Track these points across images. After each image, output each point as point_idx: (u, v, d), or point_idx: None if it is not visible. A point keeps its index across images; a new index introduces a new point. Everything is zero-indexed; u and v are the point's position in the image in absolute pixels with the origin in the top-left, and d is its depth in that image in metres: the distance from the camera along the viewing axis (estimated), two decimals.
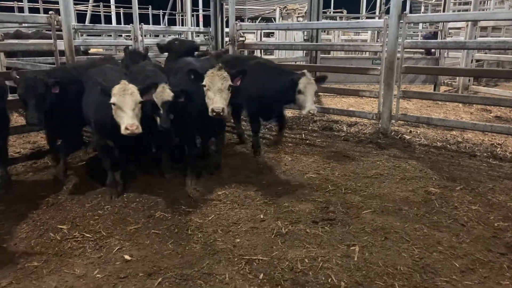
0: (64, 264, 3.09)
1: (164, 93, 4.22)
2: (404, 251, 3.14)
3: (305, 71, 5.17)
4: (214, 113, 4.19)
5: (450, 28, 11.01)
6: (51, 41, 5.70)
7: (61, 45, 5.93)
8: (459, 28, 12.16)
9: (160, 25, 21.32)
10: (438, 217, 3.72)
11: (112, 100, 3.83)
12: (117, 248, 3.31)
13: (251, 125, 5.87)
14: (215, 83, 4.27)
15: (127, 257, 3.18)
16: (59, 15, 5.77)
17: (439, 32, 10.74)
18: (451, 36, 12.10)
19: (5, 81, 4.63)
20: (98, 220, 3.80)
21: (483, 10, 14.70)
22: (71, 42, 5.80)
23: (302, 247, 3.25)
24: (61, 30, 5.90)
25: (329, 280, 2.80)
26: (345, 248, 3.21)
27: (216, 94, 4.24)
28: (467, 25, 9.63)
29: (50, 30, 9.36)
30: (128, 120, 3.76)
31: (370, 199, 4.17)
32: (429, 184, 4.55)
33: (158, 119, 4.23)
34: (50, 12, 5.60)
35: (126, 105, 3.81)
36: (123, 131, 3.74)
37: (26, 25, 8.73)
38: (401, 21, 6.23)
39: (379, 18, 17.93)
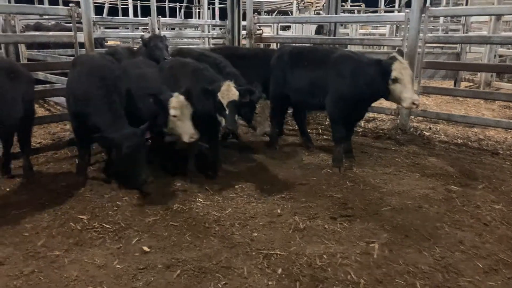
0: (85, 254, 3.14)
1: (230, 91, 4.09)
2: (425, 250, 3.08)
3: (394, 54, 4.33)
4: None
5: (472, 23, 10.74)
6: (72, 33, 5.74)
7: (80, 37, 5.98)
8: (480, 22, 11.86)
9: (176, 18, 21.36)
10: (460, 216, 3.65)
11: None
12: (136, 239, 3.34)
13: (335, 133, 5.01)
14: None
15: (146, 248, 3.21)
16: (79, 7, 5.81)
17: (461, 26, 10.48)
18: (473, 31, 11.80)
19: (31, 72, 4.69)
20: (117, 211, 3.84)
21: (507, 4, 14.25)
22: (90, 35, 5.83)
23: (321, 243, 3.22)
24: (81, 23, 5.95)
25: (348, 277, 2.78)
26: (364, 245, 3.18)
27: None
28: (490, 19, 9.37)
29: (69, 23, 9.49)
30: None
31: (389, 196, 4.11)
32: (449, 182, 4.46)
33: (222, 120, 4.17)
34: (70, 5, 5.64)
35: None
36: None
37: (46, 17, 8.84)
38: (423, 14, 6.09)
39: (399, 11, 17.58)
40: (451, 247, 3.14)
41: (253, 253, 3.09)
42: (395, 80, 4.13)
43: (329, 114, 5.21)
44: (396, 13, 11.72)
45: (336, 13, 9.25)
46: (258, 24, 8.17)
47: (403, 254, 3.03)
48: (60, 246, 3.24)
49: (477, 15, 9.38)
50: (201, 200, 4.08)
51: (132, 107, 4.42)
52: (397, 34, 14.59)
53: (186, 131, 4.07)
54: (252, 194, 4.21)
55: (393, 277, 2.76)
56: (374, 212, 3.73)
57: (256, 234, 3.39)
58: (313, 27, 14.07)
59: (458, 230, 3.40)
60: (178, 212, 3.84)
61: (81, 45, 5.98)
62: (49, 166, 5.00)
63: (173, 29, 16.36)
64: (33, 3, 16.82)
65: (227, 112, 4.08)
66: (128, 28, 16.25)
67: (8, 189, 4.29)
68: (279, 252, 3.09)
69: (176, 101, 4.05)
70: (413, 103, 4.10)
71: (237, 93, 4.09)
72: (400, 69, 4.12)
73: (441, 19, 15.34)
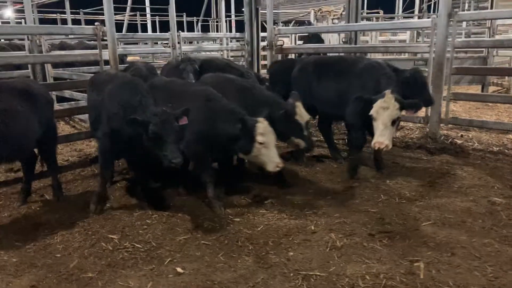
0: (118, 276, 3.07)
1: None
2: (476, 269, 2.88)
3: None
4: None
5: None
6: (97, 51, 5.81)
7: (105, 54, 6.05)
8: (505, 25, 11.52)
9: (193, 31, 21.61)
10: (507, 231, 3.43)
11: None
12: (168, 260, 3.26)
13: (354, 140, 5.04)
14: None
15: (179, 269, 3.12)
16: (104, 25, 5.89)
17: (487, 29, 10.19)
18: (500, 34, 11.46)
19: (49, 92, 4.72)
20: (147, 230, 3.77)
21: None
22: (115, 52, 5.89)
23: (361, 262, 3.07)
24: (105, 40, 6.02)
25: None
26: (408, 264, 3.00)
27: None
28: None
29: (92, 40, 9.66)
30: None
31: (428, 210, 3.92)
32: (491, 193, 4.23)
33: (300, 142, 4.29)
34: (96, 24, 5.72)
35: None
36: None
37: (71, 36, 9.04)
38: (451, 19, 5.91)
39: (419, 17, 17.29)
40: (503, 265, 2.93)
41: (291, 274, 2.96)
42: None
43: (349, 122, 5.11)
44: (422, 19, 11.50)
45: (356, 21, 9.14)
46: (279, 35, 8.11)
47: (452, 275, 2.84)
48: (92, 268, 3.18)
49: (508, 18, 9.09)
50: (231, 216, 3.98)
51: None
52: (418, 40, 14.36)
53: (272, 159, 3.94)
54: (283, 209, 4.09)
55: None
56: (414, 228, 3.54)
57: (292, 253, 3.26)
58: (331, 36, 14.01)
59: (508, 247, 3.19)
60: (209, 230, 3.74)
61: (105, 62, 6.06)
62: (77, 184, 5.01)
63: (190, 42, 16.54)
64: (56, 23, 17.36)
65: (305, 132, 4.13)
66: (147, 43, 16.56)
67: (38, 209, 4.29)
68: (318, 273, 2.95)
69: (263, 127, 3.89)
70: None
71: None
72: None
73: (464, 23, 15.02)
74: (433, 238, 3.34)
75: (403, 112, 4.33)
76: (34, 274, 3.09)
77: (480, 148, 5.85)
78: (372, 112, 4.21)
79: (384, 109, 4.13)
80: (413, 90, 4.76)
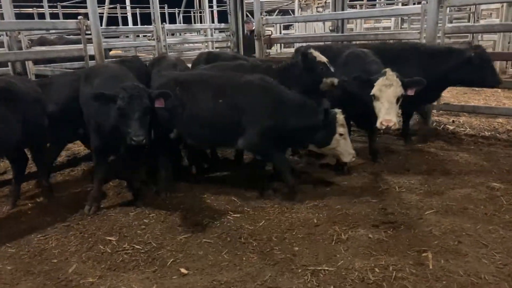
0: (120, 280, 2.96)
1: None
2: (484, 257, 2.88)
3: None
4: None
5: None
6: (81, 46, 5.59)
7: (89, 49, 5.82)
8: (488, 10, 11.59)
9: (175, 23, 21.19)
10: (510, 216, 3.45)
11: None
12: (171, 261, 3.16)
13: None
14: None
15: (183, 270, 3.03)
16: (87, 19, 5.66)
17: (471, 14, 10.24)
18: (484, 19, 11.56)
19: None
20: (146, 230, 3.66)
21: None
22: (100, 46, 5.67)
23: (369, 254, 3.03)
24: (89, 35, 5.80)
25: None
26: (416, 254, 2.98)
27: None
28: (502, 6, 9.14)
29: (75, 35, 9.31)
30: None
31: (429, 198, 3.91)
32: (489, 179, 4.26)
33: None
34: (79, 17, 5.49)
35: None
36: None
37: (52, 31, 8.69)
38: (441, 5, 5.88)
39: (404, 4, 17.30)
40: (510, 252, 2.94)
41: (299, 270, 2.90)
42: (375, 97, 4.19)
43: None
44: (411, 6, 11.50)
45: (343, 9, 9.06)
46: (266, 25, 7.97)
47: (461, 264, 2.82)
48: (92, 272, 3.06)
49: (498, 2, 9.12)
50: (231, 212, 3.90)
51: None
52: (402, 27, 14.39)
53: (349, 150, 4.01)
54: (283, 203, 4.03)
55: None
56: (417, 217, 3.53)
57: (297, 248, 3.20)
58: (316, 24, 13.90)
59: None
60: (210, 227, 3.65)
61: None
62: (68, 185, 4.83)
63: (173, 34, 16.20)
64: (33, 18, 16.74)
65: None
66: (128, 36, 16.13)
67: (29, 212, 4.11)
68: (326, 268, 2.90)
69: (342, 118, 3.92)
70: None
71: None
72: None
73: (447, 8, 15.09)
74: (438, 227, 3.32)
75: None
76: (32, 282, 2.96)
77: (472, 133, 5.90)
78: (374, 91, 4.10)
79: (387, 87, 4.05)
80: (476, 70, 4.64)
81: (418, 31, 6.38)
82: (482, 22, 9.94)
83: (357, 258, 3.00)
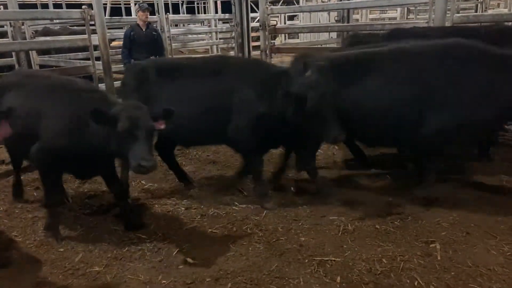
0: (126, 269, 2.96)
1: None
2: (493, 248, 2.86)
3: None
4: None
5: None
6: (86, 36, 5.56)
7: (94, 39, 5.79)
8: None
9: (179, 14, 21.07)
10: None
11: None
12: (176, 250, 3.16)
13: None
14: None
15: (189, 260, 3.02)
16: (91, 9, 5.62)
17: (478, 4, 10.10)
18: (493, 9, 11.39)
19: None
20: (151, 220, 3.66)
21: None
22: (105, 36, 5.65)
23: (376, 245, 3.01)
24: (92, 25, 5.76)
25: (416, 283, 2.57)
26: (424, 245, 2.96)
27: None
28: None
29: (76, 26, 9.27)
30: None
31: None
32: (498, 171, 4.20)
33: None
34: (83, 7, 5.45)
35: None
36: None
37: (56, 21, 8.66)
38: None
39: None
40: None
41: (306, 261, 2.89)
42: None
43: None
44: None
45: None
46: (271, 15, 7.90)
47: (470, 255, 2.80)
48: (99, 261, 3.06)
49: None
50: (236, 203, 3.89)
51: None
52: (408, 17, 14.23)
53: None
54: (288, 193, 4.01)
55: (465, 282, 2.54)
56: (425, 208, 3.49)
57: (303, 239, 3.19)
58: (321, 15, 13.77)
59: None
60: (215, 217, 3.65)
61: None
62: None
63: (176, 25, 16.11)
64: (37, 8, 16.67)
65: None
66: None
67: (35, 201, 4.12)
68: (333, 258, 2.89)
69: None
70: None
71: None
72: None
73: None
74: (446, 218, 3.30)
75: None
76: (39, 270, 2.97)
77: None
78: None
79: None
80: None
81: (426, 21, 6.29)
82: (490, 12, 9.79)
83: (364, 248, 2.98)
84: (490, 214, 3.34)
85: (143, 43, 6.69)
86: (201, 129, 3.84)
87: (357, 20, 14.74)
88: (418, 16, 12.62)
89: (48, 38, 7.05)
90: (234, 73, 3.81)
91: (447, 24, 5.86)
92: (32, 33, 7.44)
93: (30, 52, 7.27)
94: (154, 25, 8.18)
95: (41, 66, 7.32)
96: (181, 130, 3.67)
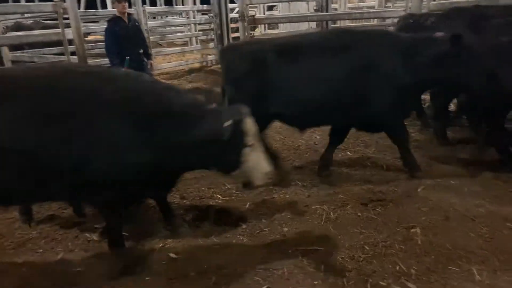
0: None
1: None
2: (472, 231, 2.92)
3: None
4: None
5: None
6: (59, 30, 5.39)
7: (68, 33, 5.63)
8: None
9: (156, 6, 20.66)
10: (496, 191, 3.50)
11: None
12: (159, 246, 3.12)
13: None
14: None
15: (172, 255, 2.99)
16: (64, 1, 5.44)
17: None
18: None
19: None
20: (133, 216, 3.60)
21: None
22: (79, 30, 5.49)
23: (358, 232, 3.04)
24: (66, 18, 5.59)
25: (397, 268, 2.61)
26: (405, 231, 3.00)
27: None
28: None
29: (49, 20, 8.99)
30: None
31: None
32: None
33: None
34: (55, 0, 5.27)
35: None
36: None
37: (28, 15, 8.37)
38: None
39: None
40: (496, 225, 2.98)
41: (290, 251, 2.89)
42: None
43: None
44: None
45: None
46: (250, 5, 7.82)
47: (449, 238, 2.86)
48: (79, 261, 3.00)
49: None
50: (219, 196, 3.87)
51: None
52: (386, 5, 14.32)
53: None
54: (271, 184, 4.00)
55: (445, 265, 2.59)
56: (406, 194, 3.55)
57: (287, 229, 3.20)
58: (300, 5, 13.72)
59: (499, 206, 3.24)
60: (198, 211, 3.62)
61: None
62: None
63: (154, 18, 15.80)
64: (7, 2, 16.10)
65: None
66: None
67: None
68: (317, 247, 2.90)
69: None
70: None
71: None
72: None
73: None
74: (426, 203, 3.35)
75: None
76: (18, 271, 2.88)
77: None
78: None
79: None
80: None
81: (403, 9, 6.35)
82: None
83: (347, 236, 3.01)
84: (468, 198, 3.41)
85: (132, 36, 5.90)
86: (331, 109, 3.70)
87: (336, 9, 14.78)
88: (395, 5, 12.68)
89: (20, 33, 6.81)
90: (368, 46, 3.62)
91: (424, 11, 5.93)
92: (3, 28, 7.18)
93: (1, 48, 7.04)
94: None
95: (13, 62, 7.09)
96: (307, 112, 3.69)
